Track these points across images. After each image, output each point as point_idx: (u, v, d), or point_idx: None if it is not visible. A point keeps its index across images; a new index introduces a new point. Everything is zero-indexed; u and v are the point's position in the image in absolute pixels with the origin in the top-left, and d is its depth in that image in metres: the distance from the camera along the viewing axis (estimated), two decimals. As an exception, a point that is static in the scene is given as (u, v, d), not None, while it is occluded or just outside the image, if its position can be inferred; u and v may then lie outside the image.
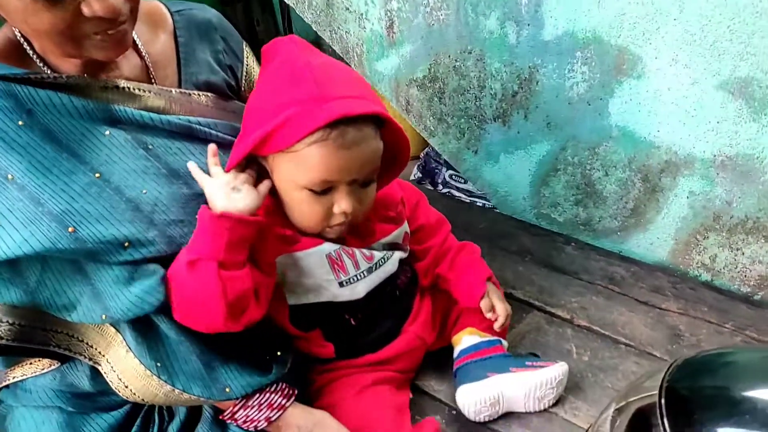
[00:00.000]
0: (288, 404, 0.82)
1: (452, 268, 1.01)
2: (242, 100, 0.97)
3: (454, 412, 0.95)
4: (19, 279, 0.73)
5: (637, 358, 1.01)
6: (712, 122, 1.08)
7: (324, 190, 0.78)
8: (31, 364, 0.87)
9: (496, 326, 0.96)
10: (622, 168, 1.23)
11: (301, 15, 1.62)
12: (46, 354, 0.81)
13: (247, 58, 0.98)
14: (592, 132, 1.24)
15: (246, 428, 0.81)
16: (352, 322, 0.93)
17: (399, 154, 0.87)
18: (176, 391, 0.78)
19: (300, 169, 0.76)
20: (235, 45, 0.96)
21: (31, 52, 0.75)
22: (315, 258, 0.86)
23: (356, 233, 0.90)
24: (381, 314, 0.96)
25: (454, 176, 2.30)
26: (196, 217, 0.78)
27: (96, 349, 0.80)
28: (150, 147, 0.78)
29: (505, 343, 1.00)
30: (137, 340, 0.78)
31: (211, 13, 0.93)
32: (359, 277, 0.90)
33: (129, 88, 0.79)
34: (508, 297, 1.16)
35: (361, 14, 1.47)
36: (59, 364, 0.84)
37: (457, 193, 2.15)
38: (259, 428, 0.81)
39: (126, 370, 0.78)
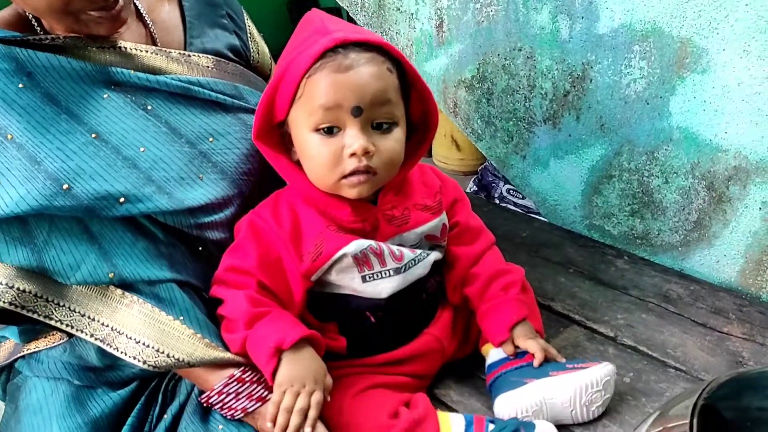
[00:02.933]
0: (269, 396, 0.77)
1: (482, 299, 0.91)
2: (251, 63, 0.99)
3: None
4: (27, 238, 0.74)
5: (688, 384, 0.88)
6: (789, 122, 0.94)
7: (331, 129, 0.75)
8: (45, 337, 0.88)
9: (534, 363, 0.84)
10: (684, 175, 1.11)
11: (354, 17, 1.61)
12: (49, 327, 0.81)
13: (248, 20, 1.01)
14: (650, 134, 1.12)
15: (223, 414, 0.77)
16: (372, 320, 0.87)
17: (428, 122, 0.84)
18: (198, 336, 0.78)
19: (306, 108, 0.75)
20: (237, 10, 0.98)
21: (37, 27, 0.79)
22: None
23: (390, 219, 0.85)
24: (402, 315, 0.89)
25: (511, 191, 2.19)
26: (200, 176, 0.80)
27: (98, 321, 0.79)
28: (149, 107, 0.80)
29: None
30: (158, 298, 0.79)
31: None
32: (383, 275, 0.84)
33: (125, 48, 0.80)
34: (546, 309, 1.07)
35: (412, 14, 1.44)
36: (69, 336, 0.84)
37: (513, 209, 2.05)
38: (235, 417, 0.76)
39: (139, 324, 0.77)
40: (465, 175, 2.57)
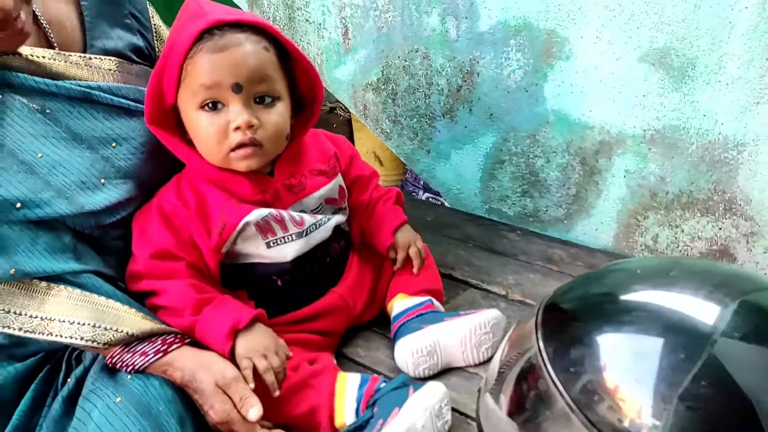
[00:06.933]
0: (171, 349, 0.79)
1: (370, 219, 1.04)
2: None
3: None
4: None
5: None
6: (638, 96, 1.10)
7: (215, 105, 0.81)
8: None
9: (414, 269, 1.01)
10: (561, 153, 1.24)
11: (268, 32, 1.71)
12: None
13: (153, 18, 1.02)
14: (530, 119, 1.26)
15: (126, 371, 0.78)
16: (279, 284, 0.93)
17: (314, 93, 0.92)
18: (132, 310, 0.80)
19: (190, 88, 0.81)
20: (142, 9, 0.99)
21: None
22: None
23: (288, 188, 0.92)
24: (308, 279, 0.96)
25: (431, 199, 2.32)
26: (102, 180, 0.82)
27: (25, 314, 0.78)
28: (48, 111, 0.80)
29: (438, 303, 1.00)
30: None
31: None
32: (286, 240, 0.91)
33: (23, 55, 0.78)
34: (447, 277, 1.16)
35: (320, 24, 1.55)
36: None
37: (423, 199, 2.16)
38: (136, 367, 0.77)
39: (70, 309, 0.78)
40: (388, 191, 2.69)
